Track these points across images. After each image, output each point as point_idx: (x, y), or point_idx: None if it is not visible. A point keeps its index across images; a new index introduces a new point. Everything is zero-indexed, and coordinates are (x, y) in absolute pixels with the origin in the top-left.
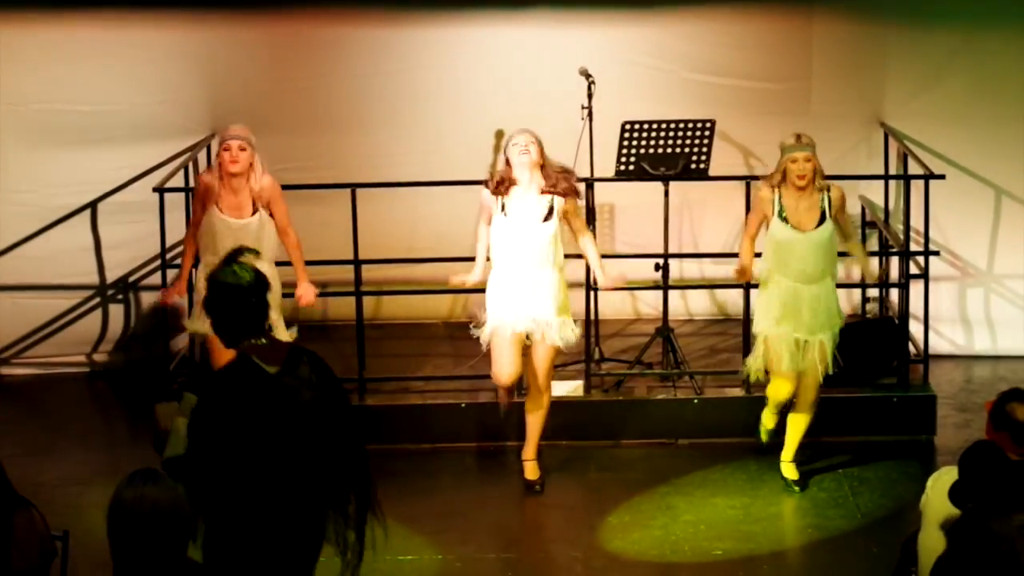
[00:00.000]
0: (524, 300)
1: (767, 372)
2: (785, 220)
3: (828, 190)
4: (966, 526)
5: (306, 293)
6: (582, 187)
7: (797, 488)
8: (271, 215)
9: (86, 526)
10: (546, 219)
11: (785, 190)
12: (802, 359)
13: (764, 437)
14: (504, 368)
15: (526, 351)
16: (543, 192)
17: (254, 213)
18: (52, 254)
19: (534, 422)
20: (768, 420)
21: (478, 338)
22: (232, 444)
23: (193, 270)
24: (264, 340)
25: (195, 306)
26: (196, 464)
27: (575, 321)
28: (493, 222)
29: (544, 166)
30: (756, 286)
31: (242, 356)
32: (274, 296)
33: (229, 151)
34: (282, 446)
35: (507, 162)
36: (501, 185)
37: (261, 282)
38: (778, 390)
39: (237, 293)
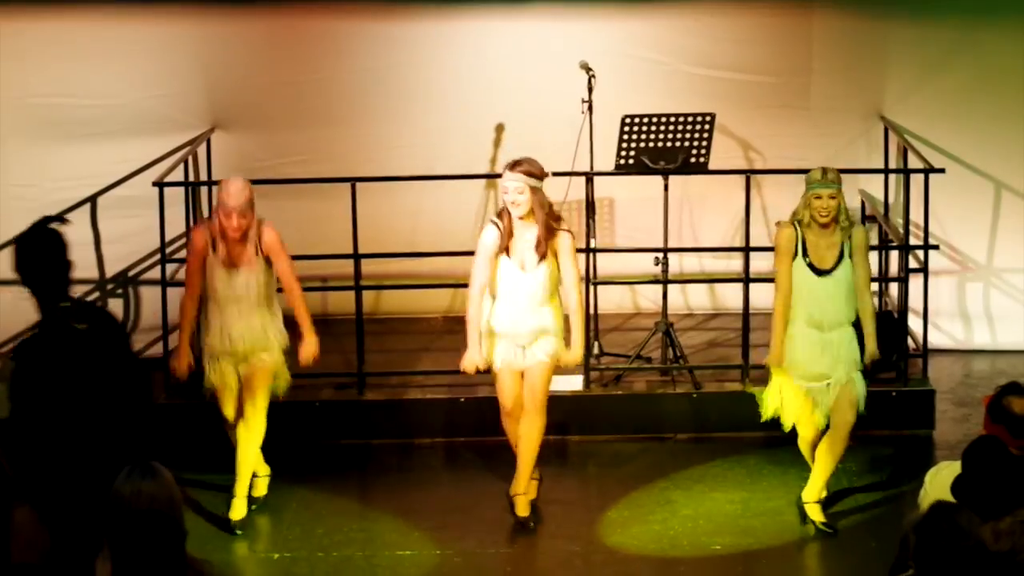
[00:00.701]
0: (521, 336)
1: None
2: (808, 261)
3: (852, 229)
4: (931, 521)
5: (308, 349)
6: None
7: (829, 530)
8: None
9: None
10: (541, 260)
11: (807, 229)
12: (828, 400)
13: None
14: (508, 398)
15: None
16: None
17: (252, 262)
18: None
19: (526, 450)
20: (805, 449)
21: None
22: (45, 393)
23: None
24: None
25: (207, 362)
26: (18, 423)
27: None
28: (497, 263)
29: (536, 210)
30: (755, 280)
31: (51, 313)
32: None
33: (230, 219)
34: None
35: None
36: (506, 231)
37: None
38: (802, 436)
39: (48, 254)
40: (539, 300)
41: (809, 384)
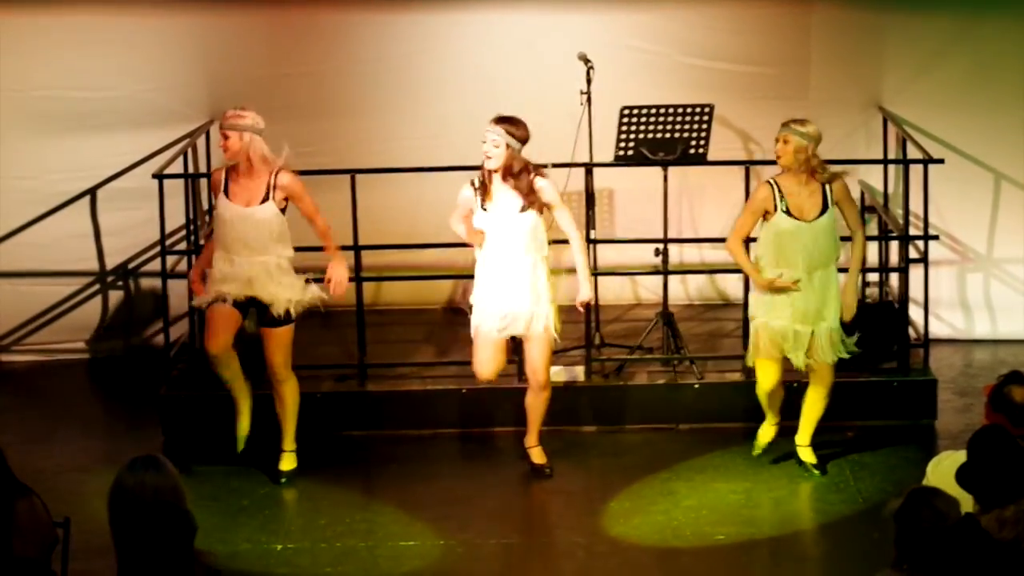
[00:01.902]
0: (503, 294)
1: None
2: (788, 211)
3: (831, 182)
4: (910, 506)
5: (336, 275)
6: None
7: (817, 472)
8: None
9: (87, 513)
10: (523, 210)
11: (784, 180)
12: (806, 348)
13: (756, 451)
14: (481, 365)
15: (518, 348)
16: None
17: (263, 202)
18: (52, 240)
19: (535, 412)
20: (764, 433)
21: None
22: None
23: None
24: None
25: (208, 282)
26: None
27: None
28: (474, 218)
29: (511, 169)
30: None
31: None
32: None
33: (223, 139)
34: None
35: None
36: (482, 186)
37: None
38: (764, 375)
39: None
40: (521, 252)
41: (791, 325)
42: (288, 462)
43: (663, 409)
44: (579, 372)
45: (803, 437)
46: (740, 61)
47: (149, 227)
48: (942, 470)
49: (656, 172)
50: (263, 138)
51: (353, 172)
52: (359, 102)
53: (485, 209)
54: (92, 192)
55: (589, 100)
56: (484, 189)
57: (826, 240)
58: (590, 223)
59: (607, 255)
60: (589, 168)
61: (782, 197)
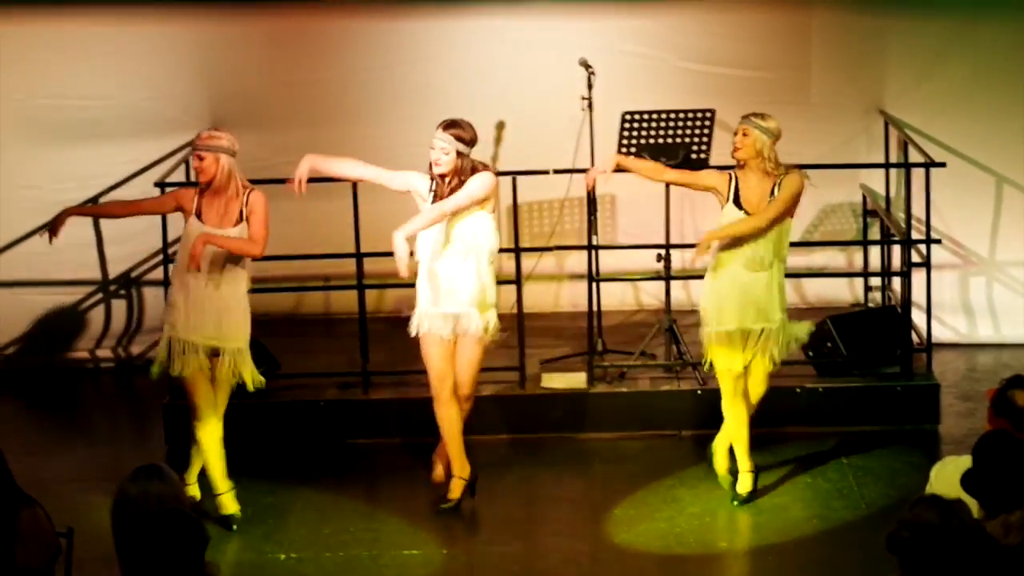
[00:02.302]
0: (445, 293)
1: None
2: (738, 203)
3: (783, 176)
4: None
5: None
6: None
7: (736, 503)
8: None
9: (90, 523)
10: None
11: (741, 174)
12: (750, 348)
13: (725, 484)
14: (435, 371)
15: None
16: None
17: (236, 224)
18: (54, 249)
19: (459, 432)
20: (719, 460)
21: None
22: None
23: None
24: None
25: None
26: None
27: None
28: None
29: (461, 173)
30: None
31: None
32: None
33: (197, 160)
34: None
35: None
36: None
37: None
38: (726, 383)
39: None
40: (465, 253)
41: (740, 327)
42: (230, 504)
43: (666, 415)
44: (581, 379)
45: (744, 460)
46: (741, 66)
47: (151, 236)
48: (946, 475)
49: None
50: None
51: (354, 180)
52: (361, 110)
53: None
54: (94, 200)
55: (591, 106)
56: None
57: (768, 240)
58: (592, 229)
59: (609, 261)
60: None
61: (736, 188)
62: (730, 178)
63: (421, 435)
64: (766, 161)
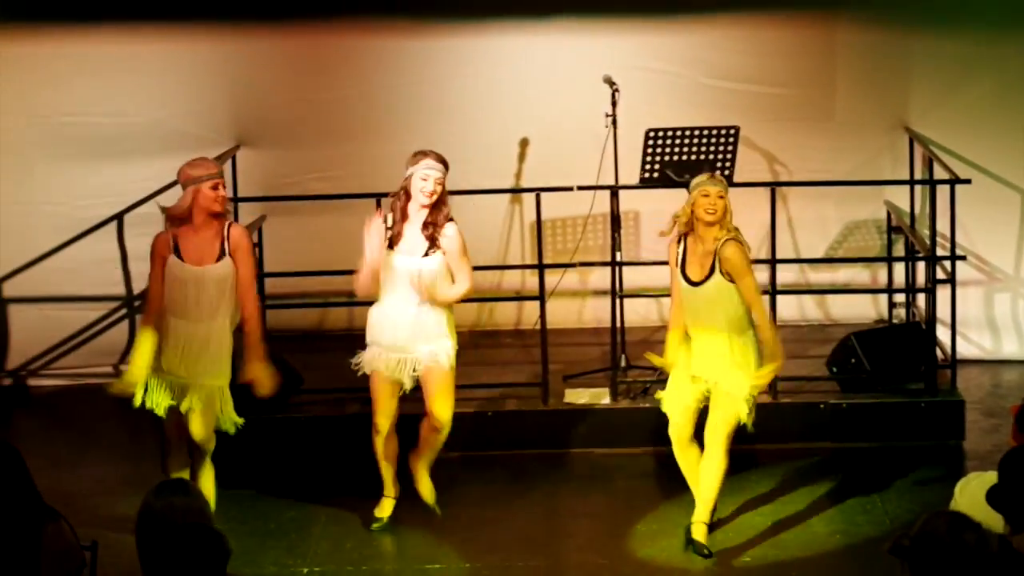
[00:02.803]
0: (403, 337)
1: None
2: (682, 270)
3: (721, 246)
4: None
5: (256, 376)
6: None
7: (705, 554)
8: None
9: (115, 537)
10: (426, 254)
11: (691, 238)
12: (705, 398)
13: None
14: (380, 414)
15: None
16: (425, 228)
17: (219, 259)
18: (79, 265)
19: (432, 445)
20: (696, 531)
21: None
22: None
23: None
24: None
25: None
26: None
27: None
28: (377, 253)
29: (440, 204)
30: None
31: None
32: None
33: (217, 189)
34: None
35: (405, 191)
36: (396, 224)
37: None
38: (673, 431)
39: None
40: (421, 297)
41: (692, 379)
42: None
43: None
44: (604, 394)
45: (702, 512)
46: (765, 83)
47: None
48: (970, 491)
49: (681, 194)
50: None
51: (378, 196)
52: (384, 127)
53: (393, 248)
54: (119, 217)
55: (614, 123)
56: (395, 229)
57: (717, 305)
58: (615, 245)
59: (632, 277)
60: (615, 190)
61: (684, 255)
62: (679, 246)
63: (443, 450)
64: (727, 220)
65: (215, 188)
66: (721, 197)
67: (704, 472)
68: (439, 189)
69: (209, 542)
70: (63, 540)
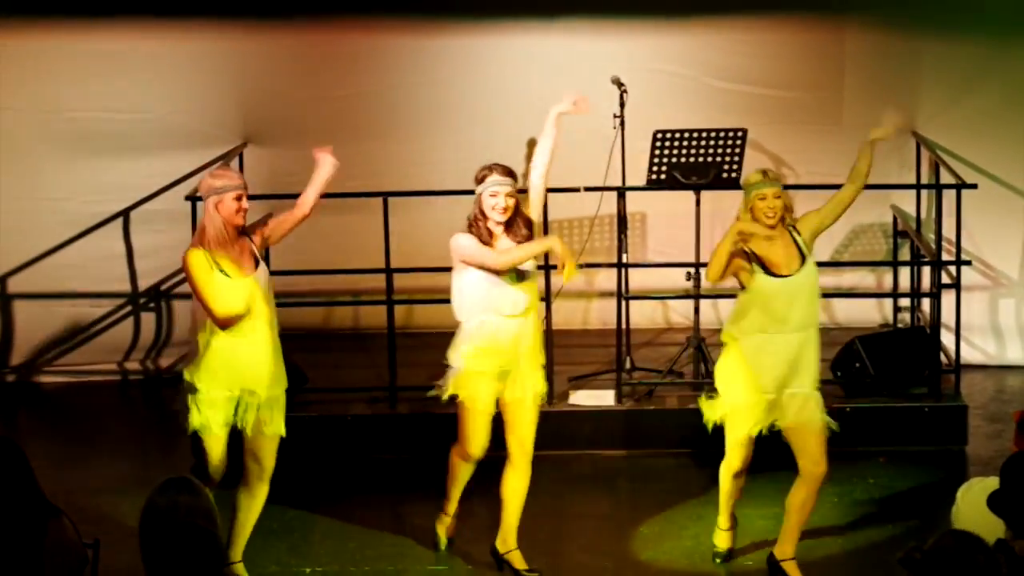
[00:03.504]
0: (505, 357)
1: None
2: (766, 270)
3: (793, 225)
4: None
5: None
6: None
7: None
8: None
9: (117, 534)
10: (536, 266)
11: (754, 241)
12: (794, 413)
13: (717, 559)
14: (480, 441)
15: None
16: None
17: (256, 268)
18: (85, 261)
19: (515, 501)
20: (721, 540)
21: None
22: None
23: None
24: None
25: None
26: None
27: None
28: (475, 272)
29: (517, 218)
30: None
31: None
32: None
33: (242, 200)
34: None
35: (482, 212)
36: (484, 241)
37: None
38: (733, 460)
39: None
40: (524, 310)
41: (770, 393)
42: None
43: (693, 434)
44: (609, 396)
45: (789, 546)
46: (774, 86)
47: (181, 249)
48: (972, 496)
49: (688, 196)
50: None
51: (386, 195)
52: (391, 125)
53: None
54: (125, 214)
55: (622, 124)
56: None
57: (807, 296)
58: (622, 247)
59: (638, 279)
60: (622, 192)
61: (754, 253)
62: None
63: (448, 451)
64: (788, 214)
65: (238, 199)
66: (778, 197)
67: (804, 503)
68: (511, 203)
69: (203, 544)
70: (65, 537)
